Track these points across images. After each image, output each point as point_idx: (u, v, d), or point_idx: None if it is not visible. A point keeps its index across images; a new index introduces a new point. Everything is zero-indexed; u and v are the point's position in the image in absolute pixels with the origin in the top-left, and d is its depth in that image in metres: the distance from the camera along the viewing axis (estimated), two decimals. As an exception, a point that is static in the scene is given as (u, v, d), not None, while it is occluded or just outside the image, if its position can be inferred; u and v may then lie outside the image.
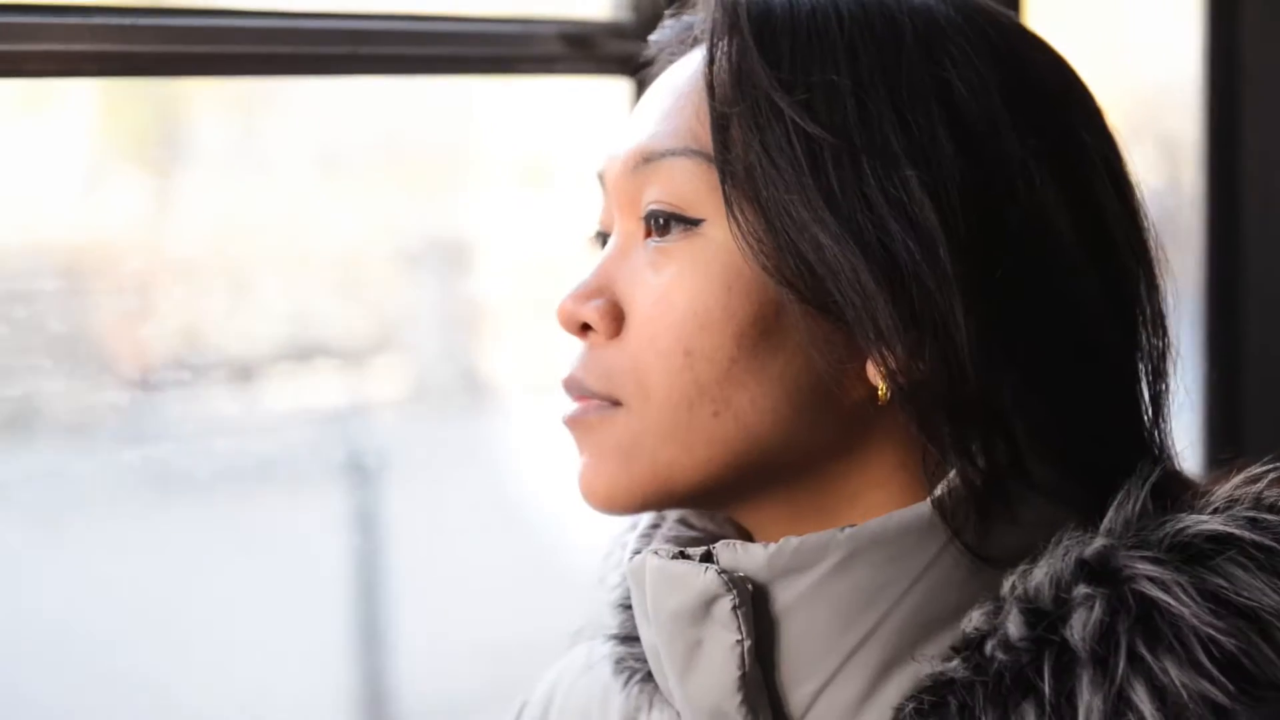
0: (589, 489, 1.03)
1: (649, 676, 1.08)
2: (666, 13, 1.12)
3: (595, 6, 1.76)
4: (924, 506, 0.96)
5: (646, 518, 1.10)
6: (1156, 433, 1.02)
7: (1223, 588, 0.91)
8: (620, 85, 1.73)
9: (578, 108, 1.93)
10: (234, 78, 1.74)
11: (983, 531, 0.95)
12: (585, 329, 1.03)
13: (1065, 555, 0.94)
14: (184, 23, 1.47)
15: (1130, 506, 0.96)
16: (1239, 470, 0.99)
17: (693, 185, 1.00)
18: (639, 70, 1.10)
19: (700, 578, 0.98)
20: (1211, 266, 2.26)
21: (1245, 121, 2.24)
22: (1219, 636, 0.90)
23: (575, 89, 1.85)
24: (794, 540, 0.97)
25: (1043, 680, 0.92)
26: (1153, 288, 1.03)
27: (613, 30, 1.71)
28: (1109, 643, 0.92)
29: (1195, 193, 2.29)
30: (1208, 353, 2.27)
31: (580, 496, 1.03)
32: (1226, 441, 2.20)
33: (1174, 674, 0.90)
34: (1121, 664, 0.91)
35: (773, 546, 0.97)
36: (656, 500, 1.02)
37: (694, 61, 1.04)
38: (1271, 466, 0.98)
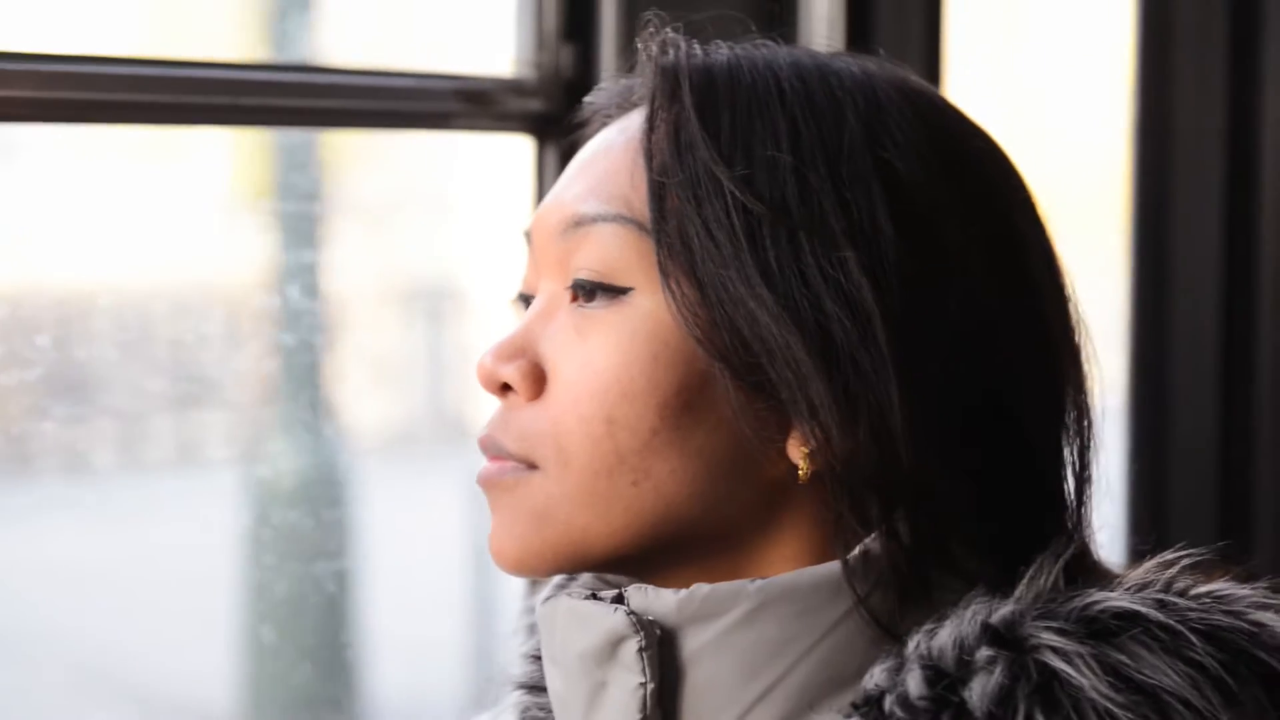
0: (499, 551, 1.05)
1: None
2: (603, 80, 1.16)
3: (496, 64, 1.77)
4: (836, 565, 0.99)
5: None
6: (1078, 521, 1.05)
7: (1124, 664, 0.94)
8: (520, 143, 1.71)
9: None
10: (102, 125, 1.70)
11: (897, 611, 0.98)
12: (505, 389, 1.05)
13: (972, 618, 0.97)
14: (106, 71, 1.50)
15: (1042, 580, 0.98)
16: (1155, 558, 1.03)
17: (622, 253, 1.02)
18: (573, 132, 1.12)
19: (609, 618, 1.01)
20: (1137, 354, 2.27)
21: (1174, 204, 2.24)
22: (1116, 711, 0.93)
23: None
24: (705, 587, 1.00)
25: None
26: (1081, 379, 1.06)
27: (512, 88, 1.73)
28: (1007, 708, 0.94)
29: (1121, 279, 2.28)
30: (1133, 445, 2.27)
31: (491, 557, 1.05)
32: (1150, 533, 2.19)
33: None
34: None
35: (684, 592, 1.00)
36: (569, 565, 1.04)
37: (630, 125, 1.06)
38: (1185, 553, 1.01)
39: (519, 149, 1.74)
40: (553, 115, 1.68)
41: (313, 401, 2.03)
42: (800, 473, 1.00)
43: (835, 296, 0.97)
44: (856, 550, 0.99)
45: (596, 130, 1.10)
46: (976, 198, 1.03)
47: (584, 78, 1.67)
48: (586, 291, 1.03)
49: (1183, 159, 2.25)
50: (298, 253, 1.94)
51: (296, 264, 1.93)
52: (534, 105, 1.70)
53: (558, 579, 1.11)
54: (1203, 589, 0.98)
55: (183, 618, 2.05)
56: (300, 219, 1.94)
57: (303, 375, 2.00)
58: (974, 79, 2.22)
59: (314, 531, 2.05)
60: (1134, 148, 2.27)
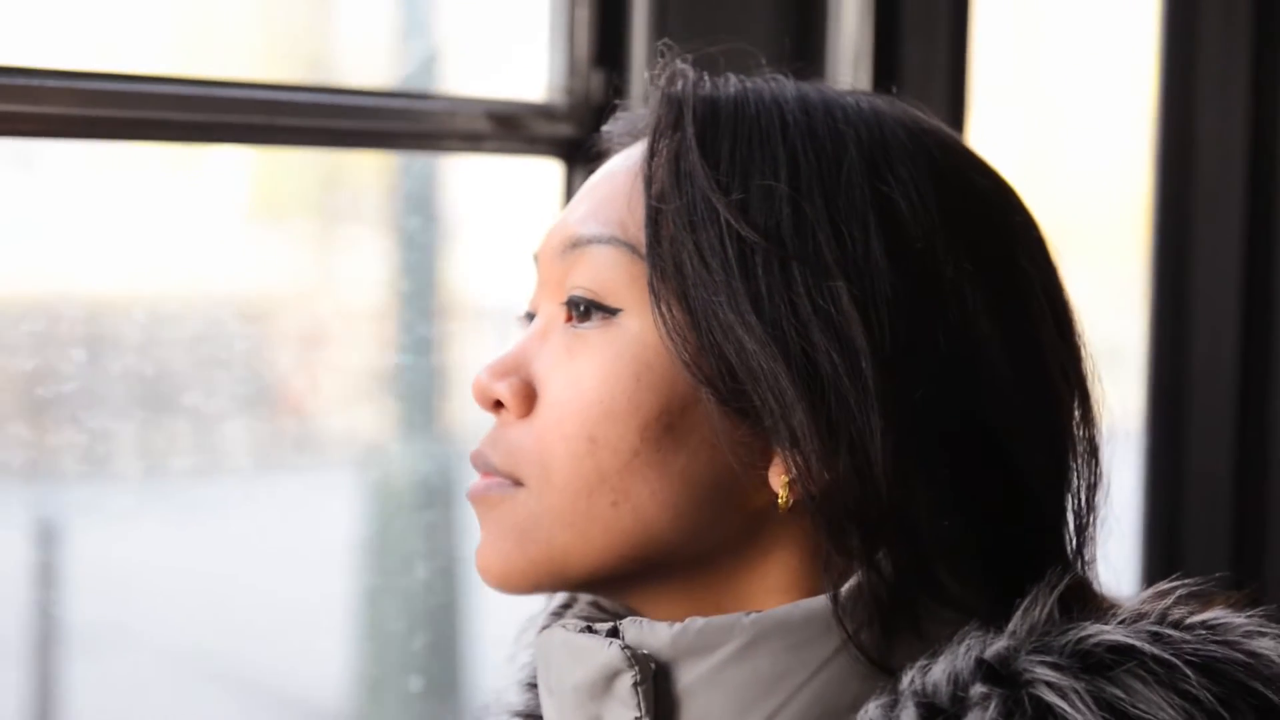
0: (484, 567, 1.06)
1: None
2: (616, 103, 1.18)
3: (530, 89, 1.79)
4: (827, 599, 1.00)
5: (560, 596, 1.14)
6: (1079, 561, 1.06)
7: (1119, 699, 0.94)
8: (550, 167, 1.73)
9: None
10: (138, 143, 1.73)
11: (885, 644, 0.99)
12: (498, 406, 1.07)
13: (966, 653, 0.98)
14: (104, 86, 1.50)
15: (1037, 612, 0.99)
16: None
17: (614, 274, 1.04)
18: (596, 159, 1.14)
19: (604, 651, 1.02)
20: (1156, 382, 2.27)
21: (1195, 231, 2.25)
22: None
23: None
24: (699, 621, 1.01)
25: None
26: (1087, 420, 1.07)
27: (542, 112, 1.75)
28: None
29: (1141, 306, 2.29)
30: (1149, 474, 2.28)
31: (477, 573, 1.07)
32: (1163, 562, 2.20)
33: None
34: None
35: (678, 626, 1.01)
36: (550, 583, 1.05)
37: (634, 153, 1.08)
38: (1181, 583, 1.02)
39: (548, 173, 1.76)
40: (581, 140, 1.70)
41: (424, 408, 2.10)
42: (780, 502, 1.01)
43: (824, 327, 0.98)
44: (846, 585, 0.99)
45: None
46: (977, 235, 1.03)
47: (613, 104, 1.69)
48: (580, 311, 1.05)
49: (1205, 186, 2.26)
50: (407, 269, 1.98)
51: (407, 279, 1.99)
52: (563, 130, 1.72)
53: (552, 606, 1.13)
54: (1197, 619, 0.99)
55: (296, 616, 2.11)
56: (412, 237, 1.98)
57: (414, 384, 2.08)
58: (1000, 107, 2.23)
59: (421, 533, 2.12)
60: (1156, 176, 2.28)
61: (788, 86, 1.07)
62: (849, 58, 1.81)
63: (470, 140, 1.72)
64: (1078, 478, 1.06)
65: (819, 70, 1.79)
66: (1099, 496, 1.06)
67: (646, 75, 1.10)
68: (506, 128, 1.71)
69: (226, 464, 2.04)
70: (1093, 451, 1.07)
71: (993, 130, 2.08)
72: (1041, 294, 1.05)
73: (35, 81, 1.42)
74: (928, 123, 1.07)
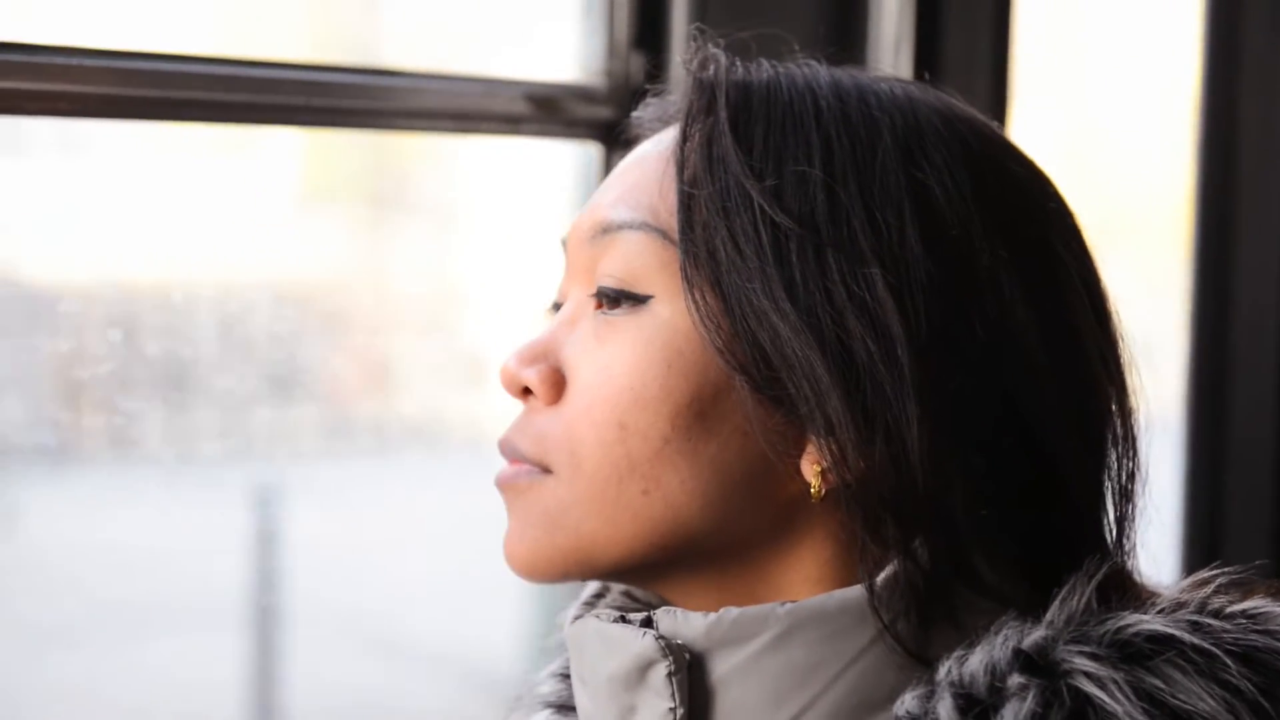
0: (512, 554, 1.06)
1: None
2: (647, 87, 1.16)
3: (570, 71, 1.78)
4: (862, 589, 0.99)
5: (592, 585, 1.14)
6: (1118, 551, 1.05)
7: (1159, 689, 0.94)
8: (588, 150, 1.73)
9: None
10: (177, 123, 1.73)
11: (922, 634, 0.99)
12: (526, 392, 1.06)
13: (1004, 643, 0.97)
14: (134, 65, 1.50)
15: (1075, 602, 0.98)
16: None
17: (644, 260, 1.04)
18: (627, 146, 1.14)
19: (638, 642, 1.01)
20: (1197, 371, 2.26)
21: (1237, 222, 2.24)
22: None
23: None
24: (734, 611, 1.00)
25: None
26: (1125, 409, 1.06)
27: (581, 94, 1.74)
28: None
29: (1182, 300, 2.28)
30: (1190, 462, 2.26)
31: (504, 561, 1.07)
32: (1206, 557, 2.18)
33: None
34: None
35: (712, 616, 1.00)
36: (578, 572, 1.05)
37: (665, 138, 1.08)
38: (1220, 571, 1.01)
39: (588, 156, 1.75)
40: (621, 123, 1.69)
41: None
42: (813, 491, 1.00)
43: (859, 314, 0.98)
44: (882, 575, 0.99)
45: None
46: (1012, 222, 1.03)
47: (646, 88, 1.68)
48: (610, 299, 1.04)
49: (1247, 175, 2.25)
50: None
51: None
52: (603, 112, 1.71)
53: (585, 596, 1.13)
54: (1238, 608, 0.98)
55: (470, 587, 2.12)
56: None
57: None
58: (1042, 96, 2.22)
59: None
60: (1198, 165, 2.27)
61: (821, 72, 1.07)
62: (889, 47, 1.80)
63: (509, 122, 1.71)
64: (1116, 466, 1.05)
65: (859, 59, 1.78)
66: (1138, 485, 1.06)
67: (680, 59, 1.09)
68: (545, 110, 1.71)
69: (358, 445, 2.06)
70: (1131, 440, 1.06)
71: (1034, 120, 2.07)
72: (1079, 281, 1.05)
73: (75, 60, 1.42)
74: (962, 109, 1.07)
